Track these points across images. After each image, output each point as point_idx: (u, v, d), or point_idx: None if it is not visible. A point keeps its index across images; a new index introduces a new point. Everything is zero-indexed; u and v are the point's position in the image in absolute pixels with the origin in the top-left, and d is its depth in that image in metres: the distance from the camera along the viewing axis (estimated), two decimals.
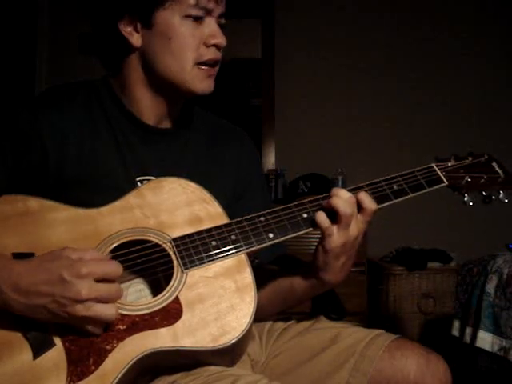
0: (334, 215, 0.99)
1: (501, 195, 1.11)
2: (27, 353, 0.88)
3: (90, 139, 1.08)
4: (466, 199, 1.10)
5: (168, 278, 0.97)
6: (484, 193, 1.11)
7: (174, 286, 0.95)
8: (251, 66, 3.91)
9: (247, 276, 0.98)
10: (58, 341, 0.90)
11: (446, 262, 3.08)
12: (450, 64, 3.60)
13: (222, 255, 0.98)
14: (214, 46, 1.08)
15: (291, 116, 3.60)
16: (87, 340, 0.89)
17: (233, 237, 1.00)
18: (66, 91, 1.12)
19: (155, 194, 1.03)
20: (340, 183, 3.16)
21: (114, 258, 0.96)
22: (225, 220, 1.03)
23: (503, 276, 1.94)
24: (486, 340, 1.93)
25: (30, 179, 1.05)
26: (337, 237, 0.99)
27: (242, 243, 1.00)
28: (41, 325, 0.89)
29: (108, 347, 0.89)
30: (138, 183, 1.08)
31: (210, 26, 1.07)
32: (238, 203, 1.19)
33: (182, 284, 0.95)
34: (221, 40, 1.08)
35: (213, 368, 0.97)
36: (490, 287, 1.97)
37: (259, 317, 1.11)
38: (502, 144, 2.87)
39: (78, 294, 0.85)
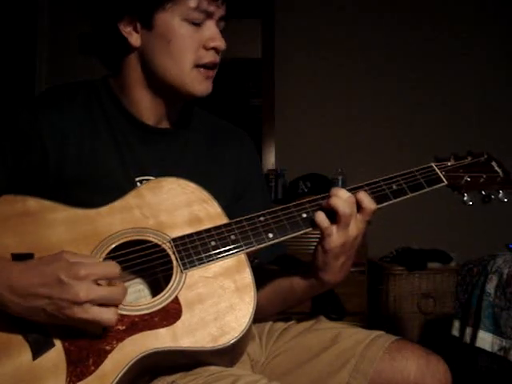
0: (333, 215, 0.99)
1: (500, 195, 1.11)
2: (27, 353, 0.88)
3: (89, 139, 1.08)
4: (465, 199, 1.10)
5: (167, 279, 0.97)
6: (483, 192, 1.11)
7: (174, 286, 0.95)
8: (251, 66, 3.91)
9: (247, 276, 0.98)
10: (57, 341, 0.89)
11: (445, 262, 3.08)
12: (450, 64, 3.60)
13: (222, 255, 0.98)
14: (213, 49, 1.08)
15: (291, 116, 3.60)
16: (87, 341, 0.89)
17: (232, 237, 1.00)
18: (65, 91, 1.12)
19: (154, 194, 1.03)
20: (340, 183, 3.16)
21: (113, 258, 0.96)
22: (224, 220, 1.03)
23: (503, 276, 1.94)
24: (485, 340, 1.93)
25: (30, 179, 1.05)
26: (336, 237, 0.99)
27: (241, 243, 1.00)
28: (40, 325, 0.89)
29: (107, 348, 0.89)
30: (138, 183, 1.08)
31: (210, 28, 1.07)
32: (237, 203, 1.19)
33: (181, 284, 0.95)
34: (220, 43, 1.08)
35: (212, 368, 0.97)
36: (490, 287, 1.97)
37: (259, 317, 1.11)
38: (502, 144, 2.86)
39: (76, 296, 0.84)
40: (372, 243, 2.99)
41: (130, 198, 1.03)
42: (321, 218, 1.00)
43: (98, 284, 0.87)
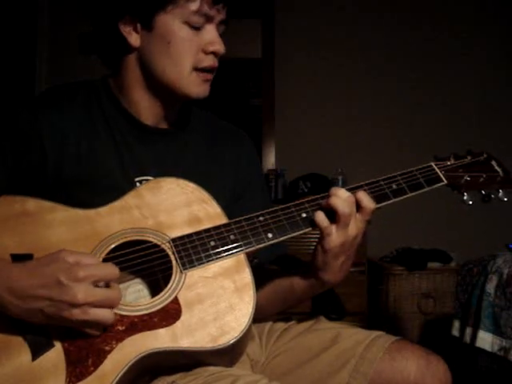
0: (332, 215, 0.99)
1: (500, 194, 1.11)
2: (26, 354, 0.88)
3: (89, 139, 1.08)
4: (465, 198, 1.10)
5: (167, 279, 0.97)
6: (483, 192, 1.11)
7: (173, 287, 0.95)
8: (251, 66, 3.91)
9: (246, 276, 0.98)
10: (56, 342, 0.89)
11: (446, 262, 3.08)
12: (450, 64, 3.60)
13: (221, 255, 0.98)
14: (213, 53, 1.08)
15: (291, 116, 3.60)
16: (86, 341, 0.89)
17: (232, 237, 1.00)
18: (65, 91, 1.12)
19: (154, 194, 1.03)
20: (340, 183, 3.16)
21: (113, 258, 0.96)
22: (224, 220, 1.03)
23: (503, 276, 1.94)
24: (485, 340, 1.93)
25: (30, 179, 1.05)
26: (336, 236, 0.99)
27: (240, 243, 1.00)
28: (40, 326, 0.89)
29: (107, 348, 0.89)
30: (137, 183, 1.08)
31: (210, 32, 1.07)
32: (237, 203, 1.19)
33: (180, 284, 0.95)
34: (219, 47, 1.07)
35: (212, 368, 0.97)
36: (490, 287, 1.97)
37: (259, 317, 1.12)
38: (502, 144, 2.86)
39: (74, 298, 0.84)
40: (372, 243, 2.99)
41: (129, 198, 1.03)
42: (320, 217, 1.00)
43: (97, 285, 0.87)
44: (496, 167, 1.15)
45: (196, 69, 1.07)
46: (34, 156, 1.04)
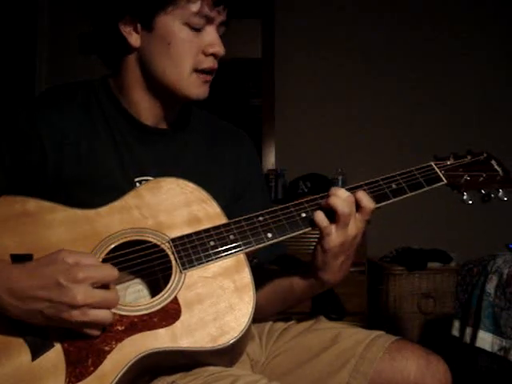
0: (332, 215, 0.99)
1: (500, 193, 1.11)
2: (26, 354, 0.88)
3: (89, 139, 1.08)
4: (464, 198, 1.10)
5: (167, 279, 0.97)
6: (483, 191, 1.11)
7: (173, 287, 0.95)
8: (251, 66, 3.91)
9: (246, 276, 0.97)
10: (56, 342, 0.89)
11: (446, 262, 3.07)
12: (450, 64, 3.60)
13: (221, 255, 0.98)
14: (212, 54, 1.08)
15: (291, 116, 3.60)
16: (86, 341, 0.89)
17: (231, 237, 1.00)
18: (65, 91, 1.12)
19: (153, 194, 1.03)
20: (340, 183, 3.17)
21: (112, 258, 0.96)
22: (223, 220, 1.03)
23: (503, 276, 1.94)
24: (485, 340, 1.93)
25: (30, 179, 1.05)
26: (335, 236, 0.99)
27: (240, 243, 0.99)
28: (39, 327, 0.89)
29: (107, 348, 0.89)
30: (137, 183, 1.08)
31: (210, 34, 1.07)
32: (237, 203, 1.19)
33: (180, 284, 0.95)
34: (219, 49, 1.07)
35: (212, 368, 0.97)
36: (490, 287, 1.97)
37: (259, 317, 1.11)
38: (502, 144, 2.86)
39: (73, 299, 0.84)
40: (372, 243, 2.99)
41: (129, 199, 1.03)
42: (320, 217, 1.00)
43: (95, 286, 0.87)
44: (496, 167, 1.14)
45: (196, 70, 1.07)
46: (34, 156, 1.04)
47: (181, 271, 0.96)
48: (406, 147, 3.40)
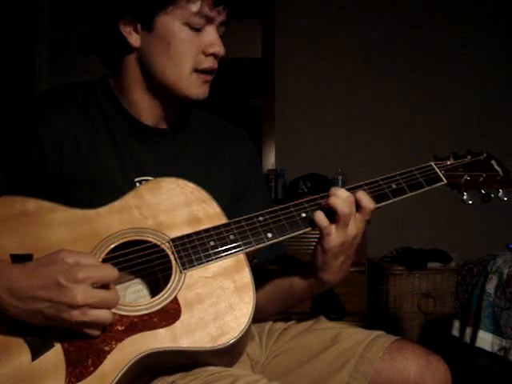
0: (332, 214, 0.99)
1: (500, 193, 1.11)
2: (26, 354, 0.88)
3: (89, 139, 1.08)
4: (464, 198, 1.10)
5: (167, 279, 0.97)
6: (483, 191, 1.11)
7: (173, 287, 0.95)
8: (251, 66, 3.91)
9: (246, 276, 0.97)
10: (56, 342, 0.89)
11: (446, 262, 3.07)
12: (450, 64, 3.60)
13: (221, 255, 0.98)
14: (212, 54, 1.08)
15: (291, 116, 3.60)
16: (86, 341, 0.89)
17: (231, 237, 1.00)
18: (65, 91, 1.12)
19: (153, 194, 1.03)
20: (340, 183, 3.17)
21: (113, 258, 0.96)
22: (223, 220, 1.03)
23: (503, 276, 1.94)
24: (486, 340, 1.93)
25: (30, 179, 1.05)
26: (335, 236, 0.99)
27: (240, 243, 0.99)
28: (39, 327, 0.89)
29: (107, 348, 0.89)
30: (137, 183, 1.08)
31: (210, 34, 1.07)
32: (237, 203, 1.19)
33: (180, 284, 0.95)
34: (219, 49, 1.07)
35: (212, 368, 0.97)
36: (490, 287, 1.97)
37: (259, 317, 1.11)
38: (502, 144, 2.86)
39: (73, 299, 0.84)
40: (372, 243, 2.99)
41: (129, 199, 1.03)
42: (320, 217, 1.00)
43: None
44: (496, 166, 1.14)
45: (196, 70, 1.07)
46: (34, 156, 1.04)
47: (181, 271, 0.96)
48: (406, 147, 3.40)
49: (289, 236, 1.02)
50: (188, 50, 1.06)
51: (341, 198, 0.99)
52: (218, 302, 0.94)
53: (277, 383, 0.93)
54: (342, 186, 1.04)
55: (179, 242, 0.98)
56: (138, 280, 1.04)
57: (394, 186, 1.07)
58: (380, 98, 3.58)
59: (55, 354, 0.88)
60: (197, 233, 1.00)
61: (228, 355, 0.98)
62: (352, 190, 1.03)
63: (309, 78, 3.61)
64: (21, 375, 0.87)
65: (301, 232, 1.03)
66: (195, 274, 0.96)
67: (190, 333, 0.91)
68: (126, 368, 0.87)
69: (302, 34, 3.62)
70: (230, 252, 0.99)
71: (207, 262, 0.97)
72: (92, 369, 0.87)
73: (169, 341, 0.90)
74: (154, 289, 1.01)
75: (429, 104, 3.57)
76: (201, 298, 0.94)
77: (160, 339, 0.90)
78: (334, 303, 2.77)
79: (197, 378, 0.94)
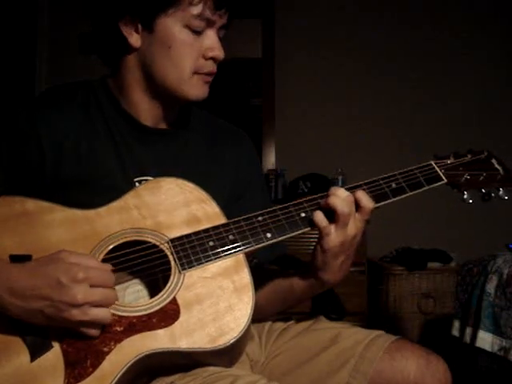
0: (332, 214, 0.99)
1: (500, 192, 1.11)
2: (25, 355, 0.88)
3: (89, 139, 1.08)
4: (465, 197, 1.10)
5: (166, 279, 0.97)
6: (483, 190, 1.11)
7: (172, 287, 0.95)
8: (251, 66, 3.91)
9: (245, 276, 0.97)
10: (55, 343, 0.89)
11: (446, 261, 3.07)
12: (451, 64, 3.60)
13: (220, 255, 0.98)
14: (212, 58, 1.07)
15: (291, 116, 3.60)
16: (84, 342, 0.89)
17: (230, 237, 1.00)
18: (65, 91, 1.11)
19: (153, 194, 1.03)
20: (340, 183, 3.16)
21: (112, 258, 0.96)
22: (222, 220, 1.03)
23: (503, 276, 1.94)
24: (486, 340, 1.93)
25: (29, 180, 1.05)
26: (335, 236, 0.99)
27: (239, 243, 0.99)
28: (38, 327, 0.89)
29: (105, 349, 0.89)
30: (137, 183, 1.08)
31: (210, 38, 1.06)
32: (237, 203, 1.18)
33: (179, 285, 0.95)
34: (219, 53, 1.07)
35: (211, 368, 0.96)
36: (490, 287, 1.97)
37: (259, 317, 1.11)
38: (503, 144, 2.85)
39: (73, 299, 0.84)
40: (372, 243, 2.99)
41: (128, 199, 1.02)
42: (319, 217, 1.00)
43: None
44: (496, 165, 1.14)
45: (196, 73, 1.07)
46: (34, 156, 1.04)
47: (180, 271, 0.96)
48: (406, 147, 3.40)
49: (288, 236, 1.02)
50: (189, 53, 1.05)
51: (340, 197, 0.99)
52: (217, 302, 0.94)
53: (276, 383, 0.93)
54: (342, 186, 1.03)
55: (178, 243, 0.98)
56: (137, 280, 1.03)
57: (393, 185, 1.07)
58: (380, 98, 3.58)
59: (54, 355, 0.88)
60: (196, 233, 0.99)
61: (227, 355, 0.97)
62: (351, 189, 1.03)
63: (309, 77, 3.61)
64: (20, 376, 0.87)
65: (300, 232, 1.02)
66: (194, 275, 0.96)
67: (189, 333, 0.91)
68: (125, 369, 0.87)
69: (302, 34, 3.62)
70: (229, 252, 0.98)
71: (206, 262, 0.97)
72: (91, 370, 0.87)
73: (168, 341, 0.90)
74: (154, 289, 1.00)
75: (429, 103, 3.56)
76: (200, 299, 0.94)
77: (159, 340, 0.90)
78: (334, 303, 2.76)
79: (196, 378, 0.94)
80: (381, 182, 1.07)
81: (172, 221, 1.01)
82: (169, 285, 0.95)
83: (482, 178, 1.12)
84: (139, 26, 1.05)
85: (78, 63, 3.24)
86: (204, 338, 0.91)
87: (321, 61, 3.60)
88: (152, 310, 0.92)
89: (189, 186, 1.05)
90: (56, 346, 0.89)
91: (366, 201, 1.01)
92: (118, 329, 0.90)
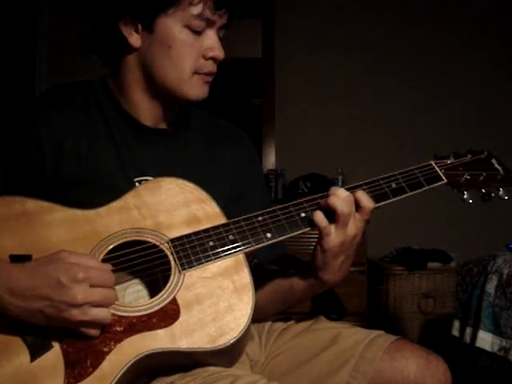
0: (331, 214, 0.99)
1: (500, 192, 1.11)
2: (25, 355, 0.88)
3: (89, 139, 1.08)
4: (465, 197, 1.10)
5: (166, 279, 0.97)
6: (483, 190, 1.11)
7: (172, 287, 0.95)
8: (251, 66, 3.91)
9: (245, 276, 0.97)
10: (55, 343, 0.89)
11: (446, 261, 3.07)
12: (451, 63, 3.60)
13: (220, 255, 0.98)
14: (212, 58, 1.07)
15: (291, 116, 3.60)
16: (84, 342, 0.89)
17: (230, 237, 1.00)
18: (65, 91, 1.11)
19: (153, 194, 1.03)
20: (340, 183, 3.16)
21: (112, 258, 0.96)
22: (222, 220, 1.03)
23: (503, 276, 1.94)
24: (486, 340, 1.93)
25: (29, 180, 1.05)
26: (335, 236, 0.99)
27: (239, 243, 0.99)
28: (38, 327, 0.89)
29: (105, 349, 0.89)
30: (137, 183, 1.08)
31: (210, 38, 1.06)
32: (237, 203, 1.18)
33: (179, 285, 0.95)
34: (219, 53, 1.07)
35: (211, 368, 0.96)
36: (490, 287, 1.97)
37: (259, 317, 1.11)
38: (503, 144, 2.85)
39: (73, 298, 0.84)
40: (372, 243, 2.99)
41: (128, 199, 1.02)
42: (319, 217, 1.00)
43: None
44: (496, 165, 1.14)
45: (196, 73, 1.07)
46: (34, 156, 1.04)
47: (180, 271, 0.96)
48: (406, 147, 3.40)
49: (288, 236, 1.02)
50: (189, 53, 1.05)
51: (340, 197, 0.99)
52: (217, 302, 0.94)
53: (276, 383, 0.93)
54: (342, 186, 1.03)
55: (178, 243, 0.98)
56: (137, 280, 1.03)
57: (393, 185, 1.07)
58: (380, 98, 3.58)
59: (54, 355, 0.88)
60: (196, 233, 0.99)
61: (227, 355, 0.97)
62: (351, 189, 1.03)
63: (309, 77, 3.61)
64: (20, 376, 0.87)
65: (300, 232, 1.02)
66: (194, 275, 0.96)
67: (189, 333, 0.91)
68: (125, 369, 0.87)
69: (302, 34, 3.62)
70: (229, 252, 0.98)
71: (206, 262, 0.97)
72: (91, 370, 0.87)
73: (168, 341, 0.90)
74: (154, 289, 1.00)
75: (429, 103, 3.56)
76: (200, 299, 0.94)
77: (159, 340, 0.90)
78: (334, 303, 2.76)
79: (196, 378, 0.94)
80: (381, 182, 1.07)
81: (172, 221, 1.01)
82: (169, 285, 0.95)
83: (482, 178, 1.12)
84: (139, 26, 1.05)
85: (78, 63, 3.25)
86: (204, 338, 0.91)
87: (321, 61, 3.60)
88: (152, 310, 0.92)
89: (189, 186, 1.05)
90: (56, 346, 0.89)
91: (366, 201, 1.01)
92: (118, 329, 0.90)
